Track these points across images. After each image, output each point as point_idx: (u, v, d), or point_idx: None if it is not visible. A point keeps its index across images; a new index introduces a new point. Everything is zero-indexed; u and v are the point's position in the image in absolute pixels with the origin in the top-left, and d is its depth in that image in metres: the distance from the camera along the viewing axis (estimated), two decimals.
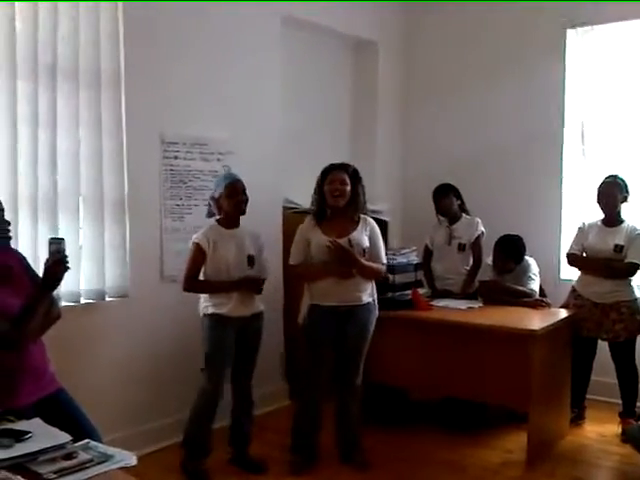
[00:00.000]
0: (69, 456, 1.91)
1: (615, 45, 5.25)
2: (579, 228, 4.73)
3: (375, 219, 4.15)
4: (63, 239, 2.61)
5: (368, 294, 3.97)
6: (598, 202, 4.58)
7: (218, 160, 4.62)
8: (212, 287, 3.85)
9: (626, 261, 4.44)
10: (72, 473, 1.83)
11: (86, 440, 2.04)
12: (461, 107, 5.92)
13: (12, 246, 2.79)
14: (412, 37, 6.20)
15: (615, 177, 4.58)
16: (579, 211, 5.33)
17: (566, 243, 4.97)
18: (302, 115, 5.44)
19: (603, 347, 4.65)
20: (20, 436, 1.99)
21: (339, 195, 3.88)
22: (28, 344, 2.56)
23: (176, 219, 4.37)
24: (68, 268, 2.58)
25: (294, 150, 5.18)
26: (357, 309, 3.93)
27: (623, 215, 4.58)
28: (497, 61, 5.73)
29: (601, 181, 4.60)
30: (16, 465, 1.84)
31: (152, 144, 4.26)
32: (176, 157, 4.38)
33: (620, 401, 4.62)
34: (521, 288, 4.71)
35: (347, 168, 3.94)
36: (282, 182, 5.04)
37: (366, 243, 3.93)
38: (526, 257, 4.80)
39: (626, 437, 4.21)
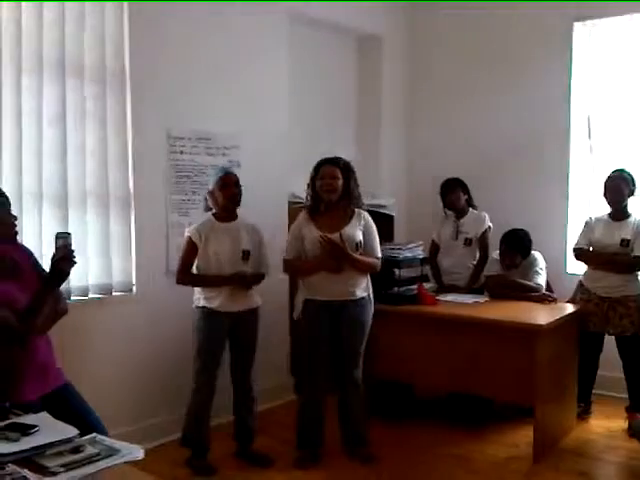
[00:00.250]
0: (76, 450, 1.91)
1: (622, 39, 5.21)
2: (586, 222, 4.72)
3: (381, 213, 4.15)
4: (70, 234, 2.62)
5: (362, 289, 3.96)
6: (605, 196, 4.56)
7: (223, 155, 4.62)
8: (202, 281, 3.87)
9: (633, 255, 4.43)
10: (79, 467, 1.83)
11: (93, 434, 2.04)
12: (467, 101, 5.90)
13: (18, 241, 2.79)
14: (417, 32, 6.18)
15: (622, 171, 4.56)
16: (586, 205, 5.31)
17: (573, 237, 4.95)
18: (307, 110, 5.44)
19: (610, 342, 4.63)
20: (27, 430, 1.99)
21: (329, 190, 3.88)
22: (34, 339, 2.57)
23: (182, 214, 4.37)
24: (75, 263, 2.59)
25: (299, 145, 5.18)
26: (351, 304, 3.92)
27: (630, 209, 4.56)
28: (503, 55, 5.70)
29: (608, 175, 4.58)
30: (23, 459, 1.84)
31: (158, 139, 4.27)
32: (182, 152, 4.39)
33: (627, 396, 4.61)
34: (527, 283, 4.70)
35: (338, 162, 3.93)
36: (287, 177, 5.04)
37: (359, 237, 3.91)
38: (533, 251, 4.79)
39: (633, 432, 4.22)
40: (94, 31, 3.91)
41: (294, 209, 5.03)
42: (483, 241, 4.97)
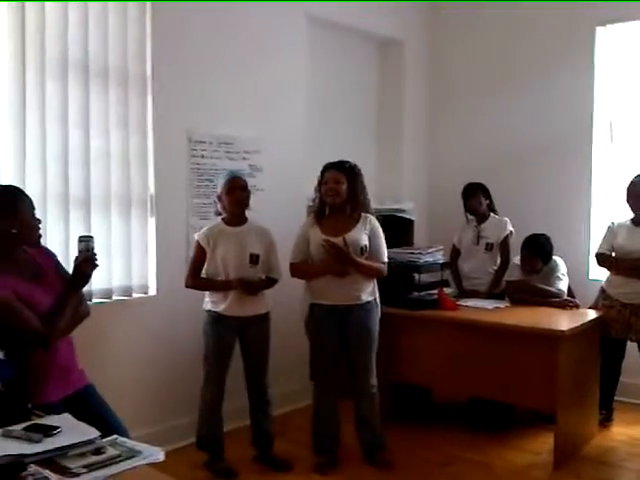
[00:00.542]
0: (98, 451, 1.92)
1: None
2: (608, 228, 4.68)
3: (401, 218, 4.13)
4: (92, 237, 2.65)
5: (368, 293, 3.95)
6: (627, 201, 4.52)
7: (244, 159, 4.64)
8: (208, 285, 3.89)
9: None
10: (101, 468, 1.84)
11: (114, 436, 2.05)
12: (488, 106, 5.88)
13: (42, 244, 2.82)
14: (438, 36, 6.17)
15: None
16: (608, 210, 5.26)
17: (595, 243, 4.91)
18: (328, 114, 5.45)
19: (632, 348, 4.58)
20: (49, 431, 2.01)
21: (333, 194, 3.88)
22: (57, 341, 2.59)
23: (202, 217, 4.39)
24: (97, 266, 2.61)
25: (320, 149, 5.17)
26: (356, 308, 3.91)
27: None
28: (525, 59, 5.67)
29: (630, 180, 4.54)
30: (46, 460, 1.86)
31: (180, 143, 4.29)
32: (203, 156, 4.41)
33: None
34: (549, 288, 4.66)
35: (343, 166, 3.92)
36: (307, 181, 5.04)
37: (364, 241, 3.90)
38: (554, 257, 4.76)
39: None
40: (117, 32, 3.94)
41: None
42: (505, 246, 4.94)
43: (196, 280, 3.89)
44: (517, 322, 4.14)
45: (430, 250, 4.62)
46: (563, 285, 4.71)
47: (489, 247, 4.96)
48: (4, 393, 2.46)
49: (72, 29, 3.72)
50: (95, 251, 2.61)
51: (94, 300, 3.82)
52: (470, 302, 4.65)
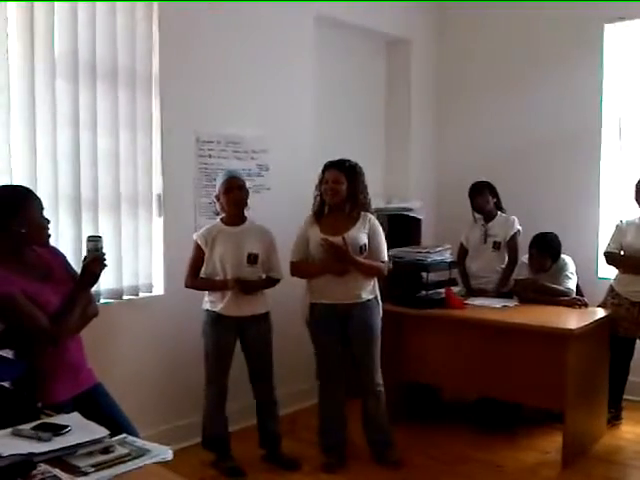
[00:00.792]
0: (107, 450, 1.93)
1: None
2: (617, 226, 4.66)
3: (409, 217, 4.13)
4: (101, 237, 2.66)
5: (368, 291, 3.94)
6: (636, 199, 4.51)
7: (252, 159, 4.65)
8: (206, 285, 3.90)
9: None
10: (110, 467, 1.85)
11: (123, 435, 2.06)
12: (496, 104, 5.86)
13: (52, 244, 2.83)
14: (445, 34, 6.16)
15: None
16: (617, 208, 5.24)
17: (604, 241, 4.89)
18: (335, 113, 5.44)
19: None
20: (59, 430, 2.01)
21: (332, 194, 3.88)
22: (66, 340, 2.60)
23: (210, 217, 4.39)
24: (105, 265, 2.62)
25: (327, 148, 5.16)
26: (356, 307, 3.91)
27: None
28: (534, 57, 5.65)
29: (639, 178, 4.52)
30: (55, 459, 1.87)
31: (187, 143, 4.30)
32: (210, 155, 4.42)
33: None
34: (557, 287, 4.65)
35: (343, 165, 3.91)
36: (315, 180, 5.03)
37: (363, 240, 3.89)
38: (563, 255, 4.74)
39: None
40: (125, 32, 3.95)
41: None
42: (512, 245, 4.93)
43: (195, 280, 3.90)
44: (525, 321, 4.14)
45: (438, 249, 4.61)
46: (572, 284, 4.69)
47: (497, 246, 4.94)
48: (13, 392, 2.48)
49: (81, 29, 3.73)
50: (104, 251, 2.62)
51: (102, 300, 3.83)
52: (478, 301, 4.65)
